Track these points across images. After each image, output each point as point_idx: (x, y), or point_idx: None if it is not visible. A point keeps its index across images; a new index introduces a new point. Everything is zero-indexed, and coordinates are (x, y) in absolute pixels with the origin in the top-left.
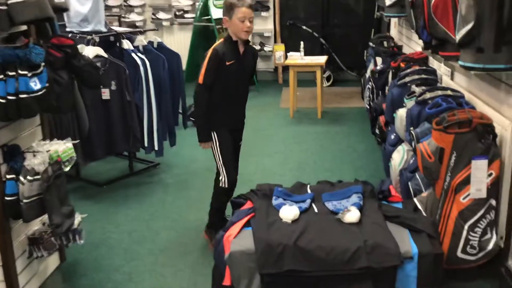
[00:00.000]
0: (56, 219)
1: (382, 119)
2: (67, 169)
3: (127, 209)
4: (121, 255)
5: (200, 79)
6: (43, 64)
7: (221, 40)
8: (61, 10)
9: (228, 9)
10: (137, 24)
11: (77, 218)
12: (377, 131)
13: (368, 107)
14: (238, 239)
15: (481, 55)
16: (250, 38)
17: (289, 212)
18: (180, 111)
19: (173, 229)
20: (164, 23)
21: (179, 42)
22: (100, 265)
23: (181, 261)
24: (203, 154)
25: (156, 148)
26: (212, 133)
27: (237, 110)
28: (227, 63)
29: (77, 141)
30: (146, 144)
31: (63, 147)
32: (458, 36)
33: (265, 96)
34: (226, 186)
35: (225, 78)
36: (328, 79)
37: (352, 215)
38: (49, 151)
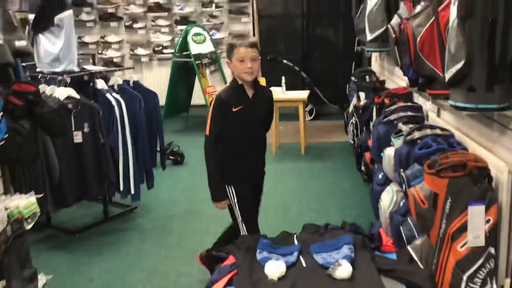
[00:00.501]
0: (15, 285)
1: (368, 156)
2: (29, 226)
3: (101, 261)
4: None
5: (207, 130)
6: (1, 113)
7: (227, 85)
8: (23, 54)
9: (228, 50)
10: (115, 60)
11: (41, 279)
12: (363, 168)
13: (352, 142)
14: None
15: (472, 95)
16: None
17: (275, 268)
18: (159, 151)
19: (149, 282)
20: (143, 59)
21: (159, 77)
22: None
23: None
24: (183, 195)
25: (132, 192)
26: (229, 188)
27: (254, 162)
28: (234, 110)
29: (41, 195)
30: (121, 188)
31: (25, 202)
32: (447, 75)
33: None
34: None
35: (234, 127)
36: (310, 112)
37: (343, 270)
38: (8, 208)
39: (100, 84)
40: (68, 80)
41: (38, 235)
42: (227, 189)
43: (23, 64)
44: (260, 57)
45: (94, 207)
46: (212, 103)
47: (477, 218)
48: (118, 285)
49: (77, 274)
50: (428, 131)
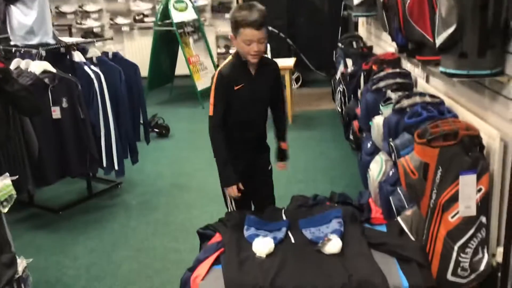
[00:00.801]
0: None
1: (356, 124)
2: (5, 210)
3: (86, 239)
4: None
5: (210, 110)
6: None
7: (228, 59)
8: None
9: (233, 26)
10: (95, 30)
11: (22, 263)
12: (351, 137)
13: (340, 110)
14: (207, 281)
15: (464, 61)
16: (214, 40)
17: (263, 245)
18: (142, 123)
19: (136, 260)
20: (124, 28)
21: (141, 47)
22: None
23: None
24: (169, 169)
25: (116, 168)
26: None
27: (251, 140)
28: (235, 88)
29: (16, 177)
30: (104, 165)
31: (0, 185)
32: (438, 41)
33: None
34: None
35: (233, 104)
36: (297, 80)
37: (333, 245)
38: None
39: (78, 56)
40: (44, 53)
41: (20, 214)
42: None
43: None
44: (268, 34)
45: (77, 183)
46: (214, 81)
47: (468, 187)
48: (103, 263)
49: (62, 253)
50: (418, 99)
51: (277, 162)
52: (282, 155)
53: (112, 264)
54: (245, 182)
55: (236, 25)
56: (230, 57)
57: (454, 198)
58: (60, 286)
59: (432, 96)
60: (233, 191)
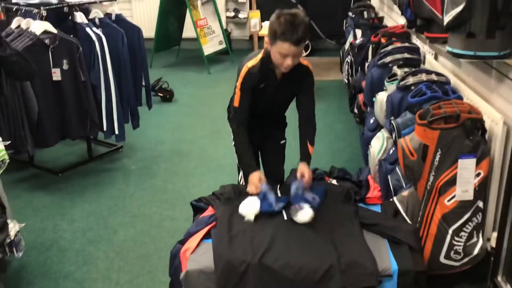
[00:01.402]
0: None
1: (361, 97)
2: None
3: (84, 203)
4: (73, 258)
5: (236, 102)
6: None
7: (259, 55)
8: None
9: (271, 35)
10: None
11: (14, 227)
12: (355, 110)
13: (347, 81)
14: (196, 254)
15: (472, 41)
16: (223, 3)
17: (249, 207)
18: (144, 90)
19: (132, 226)
20: None
21: (149, 8)
22: (49, 271)
23: (139, 265)
24: (170, 135)
25: (116, 132)
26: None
27: (267, 122)
28: (260, 86)
29: (8, 142)
30: (105, 128)
31: None
32: (446, 19)
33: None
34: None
35: (255, 101)
36: (306, 48)
37: (304, 214)
38: None
39: (80, 17)
40: (45, 13)
41: (20, 174)
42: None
43: None
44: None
45: (78, 144)
46: (242, 75)
47: (467, 171)
48: (100, 228)
49: (59, 215)
50: (423, 77)
51: (300, 163)
52: (303, 157)
53: (108, 229)
54: (256, 151)
55: (274, 35)
56: (261, 54)
57: (452, 182)
58: (55, 249)
59: (438, 74)
60: (256, 186)
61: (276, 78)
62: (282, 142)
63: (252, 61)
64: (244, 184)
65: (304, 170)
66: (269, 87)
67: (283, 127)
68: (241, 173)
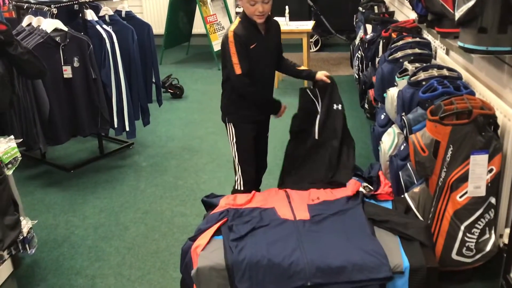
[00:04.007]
0: None
1: (371, 93)
2: (10, 172)
3: (96, 199)
4: (85, 254)
5: (237, 70)
6: None
7: (237, 20)
8: None
9: None
10: None
11: (27, 224)
12: (366, 105)
13: (357, 77)
14: (207, 251)
15: (483, 36)
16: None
17: None
18: (154, 86)
19: (143, 222)
20: None
21: (159, 4)
22: (61, 267)
23: (150, 261)
24: (181, 131)
25: (127, 129)
26: (229, 126)
27: (262, 98)
28: (250, 47)
29: (20, 140)
30: (115, 125)
31: (5, 147)
32: (457, 14)
33: None
34: (242, 188)
35: (250, 65)
36: (316, 43)
37: None
38: None
39: (90, 15)
40: (55, 11)
41: (33, 170)
42: (227, 126)
43: None
44: None
45: (89, 141)
46: (230, 41)
47: (479, 167)
48: (112, 224)
49: (71, 212)
50: (435, 72)
51: (315, 81)
52: (310, 72)
53: (120, 226)
54: (255, 141)
55: None
56: (237, 19)
57: (464, 178)
58: (67, 245)
59: (450, 69)
60: (281, 113)
61: (261, 34)
62: (267, 134)
63: (233, 26)
64: (241, 185)
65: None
66: (259, 45)
67: (269, 116)
68: (238, 174)
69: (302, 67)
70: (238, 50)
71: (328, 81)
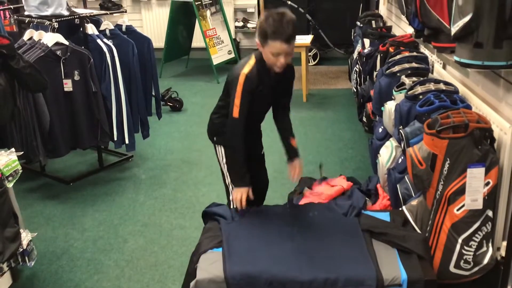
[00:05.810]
0: None
1: (370, 106)
2: (10, 185)
3: (95, 212)
4: (84, 267)
5: (235, 112)
6: None
7: (252, 61)
8: None
9: (261, 35)
10: None
11: (26, 237)
12: (364, 119)
13: (355, 90)
14: (206, 263)
15: (479, 51)
16: (232, 13)
17: None
18: (154, 99)
19: (142, 235)
20: None
21: (158, 18)
22: (60, 279)
23: (149, 274)
24: (180, 144)
25: (126, 142)
26: (219, 148)
27: (256, 128)
28: (258, 90)
29: (21, 152)
30: (115, 138)
31: (6, 160)
32: (453, 29)
33: None
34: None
35: (252, 105)
36: (314, 57)
37: None
38: None
39: (91, 29)
40: (56, 25)
41: (32, 183)
42: (217, 148)
43: (11, 7)
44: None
45: (89, 154)
46: (240, 83)
47: (476, 181)
48: (111, 237)
49: (70, 224)
50: (432, 86)
51: (289, 163)
52: (293, 153)
53: (119, 238)
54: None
55: (265, 36)
56: (253, 59)
57: (461, 191)
58: (66, 258)
59: (447, 83)
60: (243, 195)
61: (271, 78)
62: (262, 152)
63: (247, 67)
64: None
65: (299, 165)
66: (266, 89)
67: (261, 135)
68: (232, 195)
69: (293, 143)
70: (244, 94)
71: (294, 178)
